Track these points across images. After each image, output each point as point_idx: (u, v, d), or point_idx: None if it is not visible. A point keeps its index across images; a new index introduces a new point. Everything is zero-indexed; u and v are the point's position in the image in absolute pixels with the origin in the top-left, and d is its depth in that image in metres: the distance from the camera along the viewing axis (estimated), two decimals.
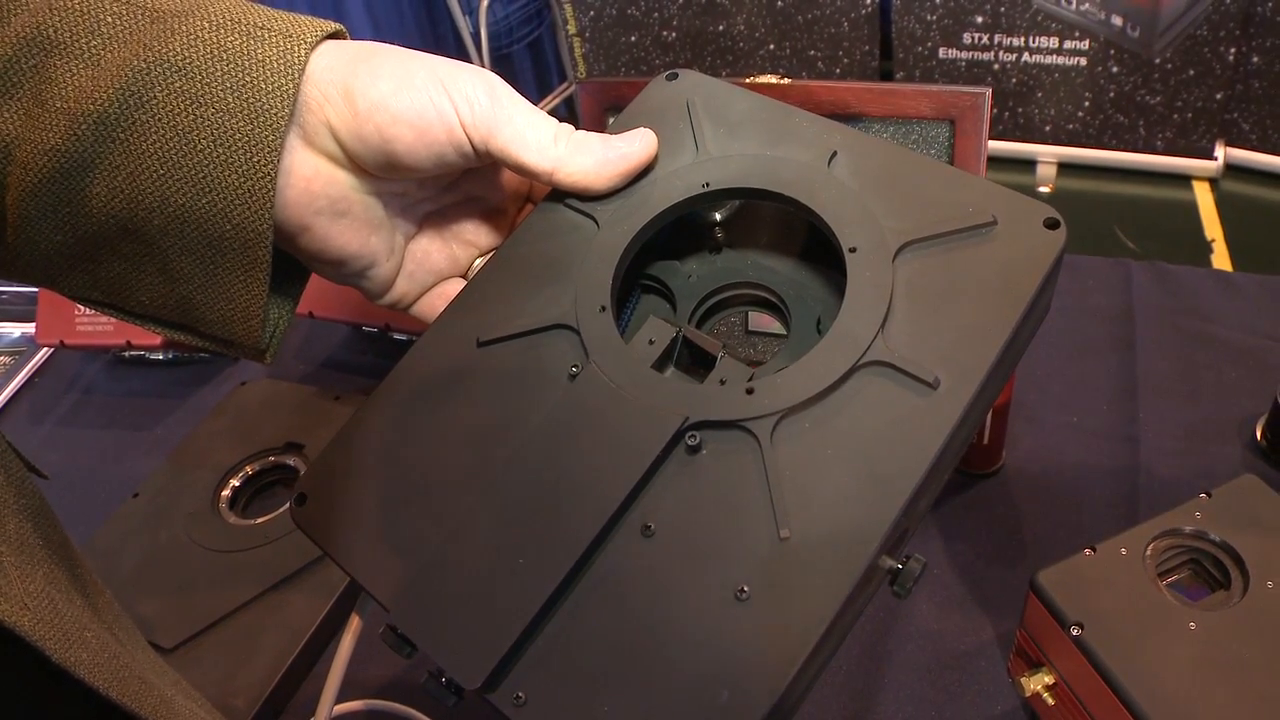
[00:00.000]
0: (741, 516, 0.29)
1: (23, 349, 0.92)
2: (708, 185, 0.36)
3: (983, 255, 0.32)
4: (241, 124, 0.33)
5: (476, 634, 0.29)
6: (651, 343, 0.34)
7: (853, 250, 0.33)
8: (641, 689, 0.27)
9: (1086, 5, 1.87)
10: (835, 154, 0.36)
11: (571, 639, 0.29)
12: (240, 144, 0.33)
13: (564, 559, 0.29)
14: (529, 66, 2.23)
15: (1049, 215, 0.32)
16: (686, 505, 0.30)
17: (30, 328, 0.95)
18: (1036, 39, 1.95)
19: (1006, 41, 1.97)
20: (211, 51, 0.33)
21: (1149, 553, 0.45)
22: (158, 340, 0.78)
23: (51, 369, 0.89)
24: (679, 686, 0.27)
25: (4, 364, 0.91)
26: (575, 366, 0.33)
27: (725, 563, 0.29)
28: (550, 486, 0.31)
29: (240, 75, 0.33)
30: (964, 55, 2.01)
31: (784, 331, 0.38)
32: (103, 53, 0.33)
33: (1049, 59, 1.96)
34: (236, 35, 0.34)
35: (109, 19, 0.33)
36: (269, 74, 0.33)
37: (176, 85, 0.33)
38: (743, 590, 0.28)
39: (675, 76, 0.40)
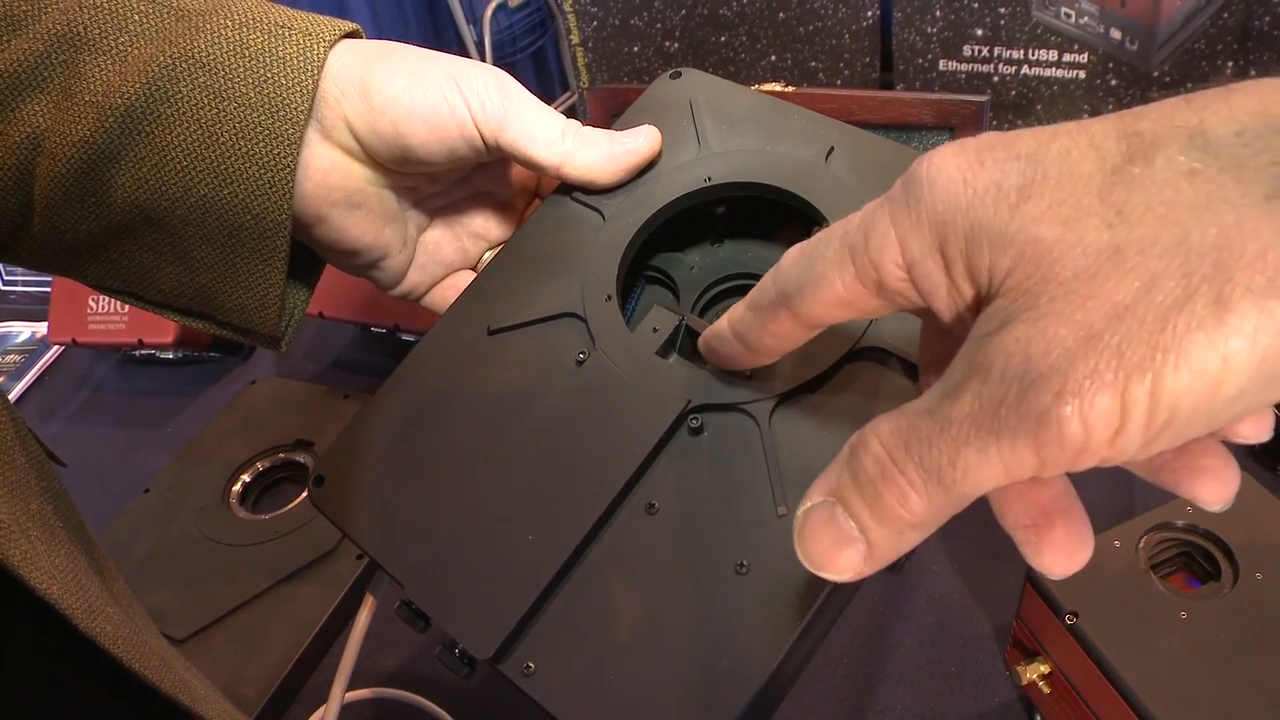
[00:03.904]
0: (742, 495, 0.30)
1: (32, 349, 0.93)
2: (710, 180, 0.37)
3: None
4: (263, 118, 0.34)
5: (488, 606, 0.30)
6: (655, 330, 0.35)
7: None
8: (645, 658, 0.28)
9: (1086, 19, 1.89)
10: (833, 149, 0.37)
11: (578, 611, 0.30)
12: (261, 137, 0.34)
13: (571, 535, 0.30)
14: (532, 76, 2.25)
15: None
16: (689, 484, 0.31)
17: (40, 328, 0.96)
18: (1036, 51, 1.97)
19: (1006, 54, 1.98)
20: (234, 49, 0.34)
21: (1142, 545, 0.46)
22: (169, 339, 0.79)
23: (61, 367, 0.90)
24: (681, 655, 0.28)
25: (14, 362, 0.92)
26: (583, 353, 0.34)
27: (726, 538, 0.30)
28: (559, 467, 0.32)
29: (262, 71, 0.34)
30: (964, 67, 2.02)
31: None
32: (130, 49, 0.34)
33: (1048, 71, 1.98)
34: (258, 33, 0.35)
35: (136, 17, 0.35)
36: (290, 70, 0.34)
37: (200, 80, 0.34)
38: (742, 564, 0.29)
39: (679, 75, 0.41)
